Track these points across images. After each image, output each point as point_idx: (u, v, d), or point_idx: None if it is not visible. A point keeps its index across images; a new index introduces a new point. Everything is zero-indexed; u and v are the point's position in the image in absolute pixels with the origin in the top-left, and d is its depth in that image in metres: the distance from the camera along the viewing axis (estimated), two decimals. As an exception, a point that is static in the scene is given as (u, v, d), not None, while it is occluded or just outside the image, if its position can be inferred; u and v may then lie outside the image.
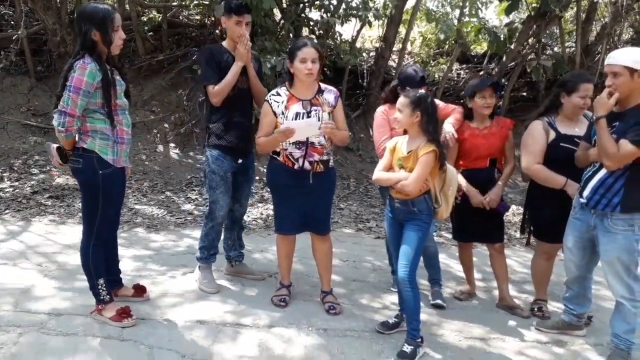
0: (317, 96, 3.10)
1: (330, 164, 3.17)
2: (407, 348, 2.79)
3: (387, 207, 3.02)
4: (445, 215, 2.95)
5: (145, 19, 8.05)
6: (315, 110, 3.04)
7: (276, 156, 3.15)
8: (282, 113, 3.04)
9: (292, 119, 3.00)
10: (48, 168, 6.05)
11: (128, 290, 3.22)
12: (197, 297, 3.33)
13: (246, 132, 3.44)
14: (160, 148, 6.81)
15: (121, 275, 3.25)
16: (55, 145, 2.78)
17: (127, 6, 7.80)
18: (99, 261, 2.89)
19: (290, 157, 3.07)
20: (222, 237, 3.69)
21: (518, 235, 5.61)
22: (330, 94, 3.15)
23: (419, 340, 2.84)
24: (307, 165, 3.06)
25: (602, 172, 2.73)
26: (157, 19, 8.17)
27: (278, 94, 3.10)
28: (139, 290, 3.24)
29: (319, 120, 2.98)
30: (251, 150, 3.56)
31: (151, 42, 8.04)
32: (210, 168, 3.36)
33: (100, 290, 2.89)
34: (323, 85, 3.18)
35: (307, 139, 3.03)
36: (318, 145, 3.06)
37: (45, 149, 3.02)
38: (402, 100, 2.83)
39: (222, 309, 3.20)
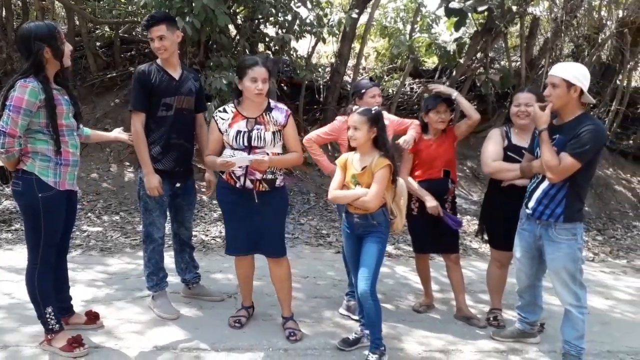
0: (264, 114, 3.03)
1: (278, 183, 3.07)
2: (372, 357, 2.83)
3: (344, 222, 3.05)
4: (401, 227, 3.01)
5: (96, 35, 7.87)
6: (258, 130, 2.96)
7: (222, 175, 3.11)
8: (226, 131, 2.99)
9: (233, 138, 2.96)
10: (-7, 191, 5.78)
11: (80, 318, 3.11)
12: (154, 323, 3.25)
13: (184, 155, 3.34)
14: (114, 167, 6.63)
15: (72, 302, 3.14)
16: None
17: (77, 21, 7.61)
18: (47, 288, 2.78)
19: (232, 175, 3.02)
20: (174, 261, 3.62)
21: (474, 245, 5.78)
22: (279, 112, 3.06)
23: (383, 348, 2.90)
24: (248, 184, 2.99)
25: (545, 184, 2.86)
26: (110, 35, 8.00)
27: (225, 111, 3.05)
28: (92, 317, 3.13)
29: (260, 142, 2.96)
30: (190, 174, 3.48)
31: (103, 58, 7.86)
32: (144, 191, 3.23)
33: (49, 319, 2.77)
34: (273, 103, 3.11)
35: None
36: None
37: None
38: (357, 117, 2.85)
39: (180, 334, 3.13)
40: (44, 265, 2.75)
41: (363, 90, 3.43)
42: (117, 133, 3.35)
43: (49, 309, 2.78)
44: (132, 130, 3.21)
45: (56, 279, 2.90)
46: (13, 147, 2.56)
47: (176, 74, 3.26)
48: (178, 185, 3.35)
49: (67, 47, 2.70)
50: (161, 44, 3.14)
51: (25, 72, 2.59)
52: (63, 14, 8.49)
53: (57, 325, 2.81)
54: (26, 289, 2.79)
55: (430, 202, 3.40)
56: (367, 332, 3.07)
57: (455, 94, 3.58)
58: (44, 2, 7.36)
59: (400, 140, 3.44)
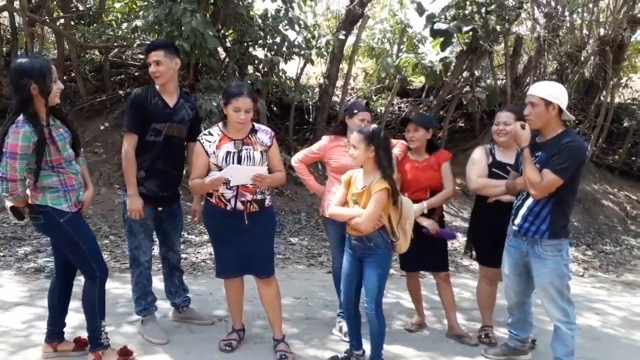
0: (249, 136, 3.07)
1: (267, 203, 3.10)
2: None
3: (347, 242, 3.06)
4: (405, 248, 3.00)
5: (86, 60, 7.91)
6: (247, 149, 3.01)
7: (209, 198, 3.12)
8: (214, 153, 3.01)
9: (223, 159, 2.98)
10: (-19, 217, 5.74)
11: (69, 345, 3.08)
12: (143, 348, 3.21)
13: (169, 181, 3.34)
14: (104, 190, 6.60)
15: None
16: (8, 205, 2.79)
17: (66, 46, 7.66)
18: (104, 300, 2.93)
19: (222, 198, 3.02)
20: (164, 285, 3.60)
21: (465, 263, 5.80)
22: (264, 134, 3.12)
23: None
24: (239, 206, 3.01)
25: (530, 200, 2.90)
26: (99, 60, 8.05)
27: (210, 134, 3.08)
28: (81, 344, 3.09)
29: (250, 162, 3.00)
30: (176, 198, 3.47)
31: (93, 82, 7.90)
32: (128, 214, 3.25)
33: (102, 332, 2.90)
34: (257, 125, 3.15)
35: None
36: (249, 185, 2.99)
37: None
38: (356, 136, 2.87)
39: (171, 358, 3.09)
40: (102, 278, 2.91)
41: (355, 111, 3.45)
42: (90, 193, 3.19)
43: (103, 323, 2.92)
44: (122, 151, 3.22)
45: (60, 300, 3.01)
46: (16, 190, 2.66)
47: (172, 101, 3.27)
48: (160, 209, 3.34)
49: (57, 86, 2.74)
50: (156, 69, 3.17)
51: (16, 110, 2.65)
52: (53, 39, 8.55)
53: (107, 340, 2.92)
54: (83, 302, 2.91)
55: (427, 221, 3.42)
56: (357, 352, 3.09)
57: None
58: (33, 28, 7.40)
59: None
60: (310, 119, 8.29)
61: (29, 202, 2.76)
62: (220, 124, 3.11)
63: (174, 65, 3.24)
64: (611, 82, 8.84)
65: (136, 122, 3.18)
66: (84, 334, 3.20)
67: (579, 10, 8.80)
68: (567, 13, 8.41)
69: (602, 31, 8.80)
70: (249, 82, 5.69)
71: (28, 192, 2.75)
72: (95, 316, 2.89)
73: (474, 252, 3.65)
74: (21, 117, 2.62)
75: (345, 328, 3.42)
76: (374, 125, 3.02)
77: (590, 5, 8.56)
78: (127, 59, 8.57)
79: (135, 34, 6.64)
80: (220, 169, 3.00)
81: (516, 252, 3.03)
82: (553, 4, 8.02)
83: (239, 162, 2.98)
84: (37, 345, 3.12)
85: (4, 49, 7.61)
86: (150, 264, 3.40)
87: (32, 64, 2.66)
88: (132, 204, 3.17)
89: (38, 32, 7.89)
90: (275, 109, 7.69)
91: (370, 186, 2.82)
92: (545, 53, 8.34)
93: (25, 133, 2.59)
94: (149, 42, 3.32)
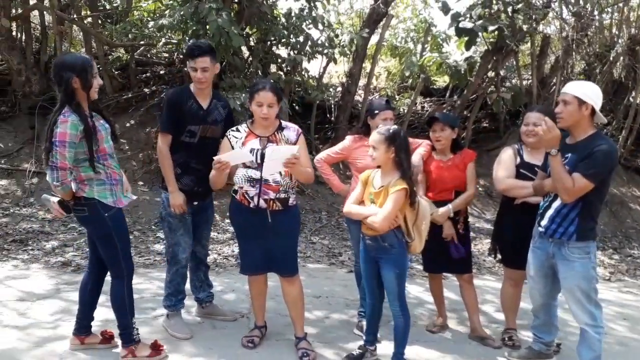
0: (276, 133, 3.10)
1: (290, 202, 3.10)
2: None
3: (361, 242, 3.07)
4: (419, 249, 3.00)
5: (112, 58, 8.05)
6: (270, 145, 3.01)
7: (234, 194, 3.14)
8: (240, 149, 3.04)
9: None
10: (11, 211, 5.89)
11: (95, 338, 3.14)
12: (167, 342, 3.25)
13: (204, 177, 3.32)
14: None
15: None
16: (55, 199, 2.85)
17: (94, 44, 7.80)
18: (132, 297, 2.99)
19: (246, 195, 3.04)
20: (189, 279, 3.63)
21: (488, 264, 5.73)
22: (290, 131, 3.13)
23: None
24: (262, 204, 3.01)
25: (558, 202, 2.85)
26: (125, 58, 8.18)
27: (238, 130, 3.12)
28: (107, 337, 3.16)
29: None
30: (209, 193, 3.50)
31: (119, 80, 8.03)
32: (167, 211, 3.30)
33: (134, 329, 2.97)
34: (284, 123, 3.18)
35: (261, 176, 2.98)
36: (272, 183, 2.99)
37: (42, 202, 3.13)
38: (376, 137, 2.87)
39: (194, 353, 3.14)
40: (129, 277, 2.96)
41: (376, 112, 3.44)
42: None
43: (134, 319, 2.99)
44: (157, 149, 3.30)
45: (91, 295, 3.08)
46: (66, 179, 2.72)
47: (205, 102, 3.30)
48: (196, 203, 3.39)
49: (97, 81, 2.84)
50: (203, 76, 3.19)
51: (62, 102, 2.75)
52: (80, 37, 8.73)
53: (138, 336, 2.99)
54: (112, 301, 2.98)
55: (448, 230, 3.42)
56: (370, 348, 3.16)
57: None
58: (62, 27, 7.56)
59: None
60: (332, 118, 8.28)
61: (76, 194, 2.82)
62: (248, 122, 3.15)
63: (216, 69, 3.30)
64: (641, 83, 8.61)
65: (171, 123, 3.24)
66: (110, 328, 3.28)
67: (609, 9, 8.61)
68: (596, 12, 8.24)
69: (632, 30, 8.59)
70: (272, 80, 5.72)
71: (74, 185, 2.81)
72: (126, 314, 2.95)
73: (498, 254, 3.60)
74: (67, 107, 2.72)
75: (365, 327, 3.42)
76: (395, 126, 3.00)
77: (621, 4, 8.35)
78: (153, 58, 8.70)
79: (161, 33, 6.73)
80: (245, 165, 3.02)
81: (542, 253, 2.99)
82: (582, 2, 7.86)
83: (262, 159, 2.98)
84: (64, 337, 3.19)
85: (33, 47, 7.77)
86: (188, 262, 3.45)
87: (74, 59, 2.78)
88: (174, 199, 3.23)
89: (67, 30, 8.06)
90: (297, 108, 7.71)
91: (389, 185, 2.82)
92: (573, 53, 8.18)
93: (73, 122, 2.68)
94: (192, 45, 3.28)
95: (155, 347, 3.00)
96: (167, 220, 3.34)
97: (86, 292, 3.08)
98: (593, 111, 2.78)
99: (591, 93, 2.77)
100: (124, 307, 2.94)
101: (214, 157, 2.93)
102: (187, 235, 3.36)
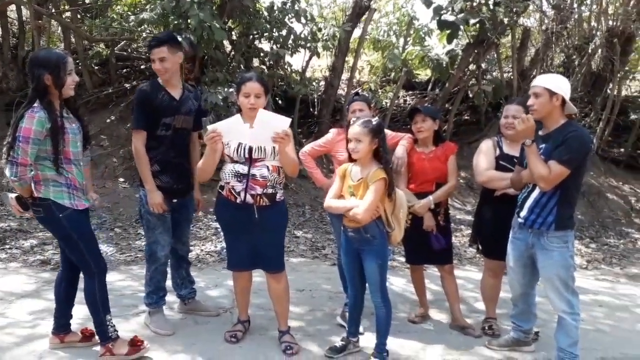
0: None
1: (278, 197, 3.07)
2: None
3: (342, 235, 3.08)
4: (399, 239, 3.02)
5: (92, 53, 7.93)
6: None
7: (221, 190, 3.12)
8: (227, 144, 3.00)
9: (234, 150, 2.97)
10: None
11: (75, 336, 3.10)
12: (150, 339, 3.22)
13: (183, 173, 3.35)
14: (109, 183, 6.65)
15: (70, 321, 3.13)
16: (12, 195, 2.79)
17: (73, 39, 7.68)
18: (106, 295, 2.92)
19: (232, 191, 3.01)
20: (170, 276, 3.61)
21: (469, 255, 5.80)
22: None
23: (385, 354, 3.00)
24: (249, 199, 2.98)
25: (537, 192, 2.90)
26: (105, 53, 8.07)
27: None
28: (87, 335, 3.12)
29: (261, 153, 2.96)
30: (189, 190, 3.48)
31: (99, 75, 7.92)
32: (145, 208, 3.26)
33: (109, 326, 2.90)
34: None
35: (249, 172, 2.96)
36: (260, 178, 2.97)
37: (2, 199, 3.09)
38: (359, 129, 2.84)
39: (176, 350, 3.12)
40: (100, 274, 2.89)
41: (347, 106, 3.47)
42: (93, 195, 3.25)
43: (109, 317, 2.91)
44: (133, 148, 3.25)
45: (66, 292, 3.03)
46: (25, 175, 2.66)
47: (176, 93, 3.28)
48: (175, 201, 3.36)
49: (72, 79, 2.76)
50: (162, 66, 3.17)
51: (31, 99, 2.69)
52: (59, 32, 8.58)
53: (115, 333, 2.92)
54: (85, 299, 2.90)
55: (428, 222, 3.46)
56: (353, 339, 3.17)
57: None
58: (40, 21, 7.43)
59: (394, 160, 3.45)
60: (316, 112, 8.28)
61: (33, 194, 2.75)
62: (237, 115, 3.10)
63: (178, 59, 3.25)
64: (618, 75, 8.77)
65: (144, 120, 3.20)
66: (90, 325, 3.24)
67: (587, 1, 8.72)
68: (575, 5, 8.34)
69: (610, 23, 8.72)
70: (255, 74, 5.69)
71: (32, 185, 2.74)
72: (99, 311, 2.89)
73: (479, 245, 3.65)
74: (37, 103, 2.66)
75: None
76: (376, 118, 3.02)
77: (599, -3, 8.48)
78: (133, 52, 8.59)
79: (142, 27, 6.65)
80: (232, 160, 3.00)
81: (522, 244, 3.04)
82: (561, -5, 7.96)
83: (250, 154, 2.97)
84: (44, 336, 3.15)
85: (10, 43, 7.63)
86: (167, 259, 3.42)
87: (48, 55, 2.70)
88: (152, 198, 3.19)
89: (45, 25, 7.91)
90: (280, 102, 7.69)
91: (367, 177, 2.84)
92: (553, 45, 8.28)
93: (40, 118, 2.62)
94: (151, 38, 3.28)
95: (134, 344, 2.94)
96: (146, 217, 3.31)
97: (61, 290, 3.04)
98: (563, 102, 2.84)
99: (561, 84, 2.84)
100: (97, 304, 2.88)
101: (208, 126, 2.89)
102: (166, 234, 3.33)
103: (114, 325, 2.95)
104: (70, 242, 2.83)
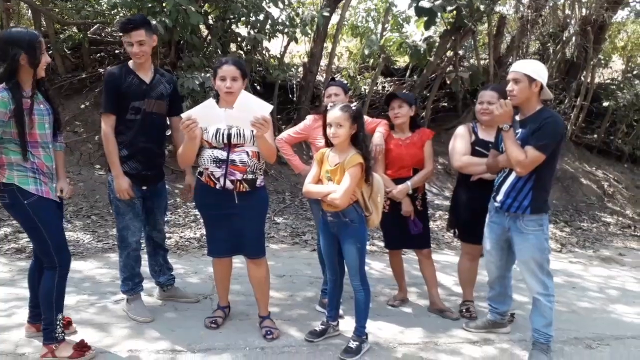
0: None
1: (258, 183, 3.05)
2: (352, 344, 2.97)
3: (320, 219, 3.09)
4: (377, 222, 3.06)
5: (64, 37, 7.71)
6: (237, 127, 2.93)
7: (200, 176, 3.08)
8: (205, 129, 2.96)
9: (213, 136, 2.94)
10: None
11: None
12: (129, 326, 3.22)
13: (153, 159, 3.29)
14: (85, 170, 6.52)
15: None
16: None
17: (43, 23, 7.45)
18: (63, 293, 2.78)
19: (211, 176, 2.98)
20: (148, 264, 3.58)
21: (447, 239, 5.89)
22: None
23: (364, 337, 3.03)
24: (229, 185, 2.95)
25: (513, 177, 2.95)
26: (78, 37, 7.85)
27: None
28: (65, 323, 3.04)
29: (240, 139, 2.92)
30: (160, 178, 3.43)
31: (71, 60, 7.72)
32: (114, 194, 3.21)
33: (58, 327, 2.76)
34: None
35: (228, 157, 2.93)
36: (239, 163, 2.94)
37: None
38: (340, 114, 2.84)
39: (156, 337, 3.10)
40: (63, 269, 2.75)
41: (323, 92, 3.47)
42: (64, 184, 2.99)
43: (60, 316, 2.77)
44: (102, 132, 3.18)
45: (40, 282, 2.87)
46: None
47: (147, 77, 3.22)
48: (145, 188, 3.30)
49: (45, 59, 2.68)
50: (140, 50, 3.10)
51: (1, 78, 2.59)
52: (29, 15, 8.30)
53: (62, 335, 2.79)
54: (39, 293, 2.77)
55: (406, 207, 3.49)
56: (333, 323, 3.21)
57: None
58: (8, 4, 7.17)
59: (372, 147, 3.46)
60: (294, 99, 8.24)
61: None
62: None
63: (153, 42, 3.20)
64: (592, 62, 8.94)
65: (112, 103, 3.13)
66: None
67: (562, -10, 8.84)
68: (550, -8, 8.44)
69: (584, 11, 8.86)
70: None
71: None
72: (52, 309, 2.75)
73: (456, 230, 3.71)
74: (2, 84, 2.57)
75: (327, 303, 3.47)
76: (355, 103, 3.02)
77: (573, -15, 8.60)
78: (107, 36, 8.37)
79: (115, 10, 6.48)
80: (210, 145, 2.96)
81: (498, 227, 3.09)
82: (536, -17, 8.04)
83: (229, 139, 2.93)
84: (20, 325, 3.10)
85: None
86: (139, 245, 3.37)
87: (22, 34, 2.62)
88: (119, 185, 3.14)
89: (14, 7, 7.64)
90: (258, 88, 7.62)
91: (344, 162, 2.85)
92: (528, 33, 8.39)
93: (3, 99, 2.54)
94: (124, 20, 3.18)
95: (81, 347, 2.77)
96: (115, 204, 3.25)
97: (34, 279, 2.93)
98: (541, 88, 2.89)
99: (539, 71, 2.89)
100: (51, 301, 2.73)
101: (182, 114, 2.83)
102: (136, 220, 3.28)
103: (62, 327, 2.81)
104: (34, 231, 2.70)
